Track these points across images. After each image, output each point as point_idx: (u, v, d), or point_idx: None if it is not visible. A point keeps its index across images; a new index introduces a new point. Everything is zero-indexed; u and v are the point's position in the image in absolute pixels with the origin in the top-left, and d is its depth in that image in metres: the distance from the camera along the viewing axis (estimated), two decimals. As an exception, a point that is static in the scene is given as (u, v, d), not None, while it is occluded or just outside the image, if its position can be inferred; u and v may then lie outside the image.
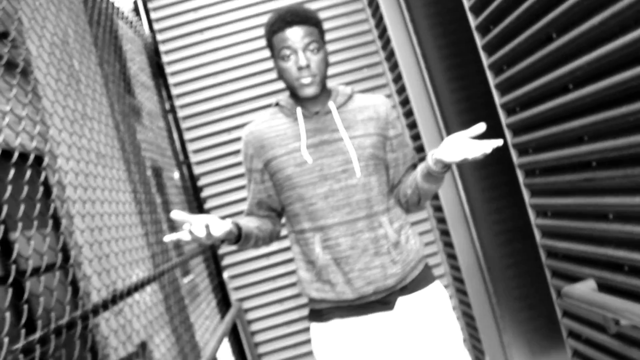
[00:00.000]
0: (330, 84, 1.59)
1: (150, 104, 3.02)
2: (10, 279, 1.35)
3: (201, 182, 3.08)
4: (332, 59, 3.01)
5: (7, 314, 1.28)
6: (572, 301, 1.60)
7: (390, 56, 2.93)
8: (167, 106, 3.12)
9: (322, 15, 3.02)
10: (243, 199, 3.05)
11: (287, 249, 3.06)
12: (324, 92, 1.52)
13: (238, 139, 3.06)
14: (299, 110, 1.50)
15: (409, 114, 2.89)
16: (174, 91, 3.08)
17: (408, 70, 2.76)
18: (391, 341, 1.50)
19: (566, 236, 1.85)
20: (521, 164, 2.00)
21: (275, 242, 3.04)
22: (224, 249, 3.08)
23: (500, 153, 2.34)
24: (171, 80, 3.08)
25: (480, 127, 1.29)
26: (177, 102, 3.08)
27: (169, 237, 1.28)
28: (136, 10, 3.15)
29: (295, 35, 1.39)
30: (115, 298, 1.77)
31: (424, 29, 2.72)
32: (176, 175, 3.16)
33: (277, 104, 1.56)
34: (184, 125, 3.08)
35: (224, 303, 3.07)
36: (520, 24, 1.76)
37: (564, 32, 1.56)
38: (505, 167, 2.42)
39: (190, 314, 3.06)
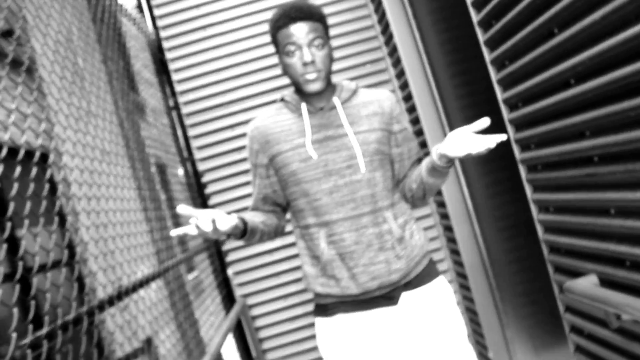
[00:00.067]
0: (335, 79, 1.59)
1: (154, 101, 3.03)
2: (18, 276, 1.36)
3: (205, 178, 3.09)
4: (334, 54, 3.02)
5: (15, 310, 1.29)
6: (574, 296, 1.61)
7: (393, 52, 2.93)
8: (171, 103, 3.14)
9: (324, 11, 3.02)
10: (247, 195, 3.06)
11: (291, 245, 3.07)
12: (329, 88, 1.52)
13: (242, 136, 3.08)
14: (303, 106, 1.51)
15: (411, 109, 2.90)
16: (178, 88, 3.09)
17: (411, 66, 2.76)
18: (395, 336, 1.50)
19: (568, 231, 1.86)
20: (523, 160, 2.00)
21: (279, 238, 3.07)
22: (228, 245, 3.09)
23: (503, 149, 2.35)
24: (175, 77, 3.09)
25: (484, 121, 1.29)
26: (181, 99, 3.09)
27: (175, 232, 1.29)
28: (139, 7, 3.16)
29: (300, 31, 1.40)
30: (121, 294, 1.79)
31: (427, 24, 2.72)
32: (180, 171, 3.18)
33: (282, 100, 1.57)
34: (187, 121, 3.09)
35: (228, 299, 3.09)
36: (522, 19, 1.76)
37: (566, 27, 1.56)
38: (508, 162, 2.42)
39: (195, 310, 3.08)
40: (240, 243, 3.07)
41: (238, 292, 3.06)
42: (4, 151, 1.38)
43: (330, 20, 3.05)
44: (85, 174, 1.99)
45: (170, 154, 3.10)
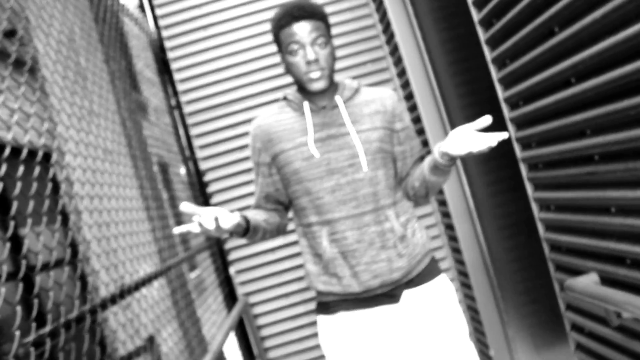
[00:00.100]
0: (337, 77, 1.60)
1: (156, 100, 3.04)
2: (21, 274, 1.37)
3: (207, 177, 3.10)
4: (336, 54, 3.02)
5: (18, 308, 1.30)
6: (575, 294, 1.62)
7: (394, 50, 2.93)
8: (173, 102, 3.15)
9: (326, 10, 3.02)
10: (249, 194, 3.07)
11: (293, 243, 3.08)
12: (331, 86, 1.52)
13: (244, 135, 3.08)
14: (306, 104, 1.51)
15: (413, 108, 2.90)
16: (180, 87, 3.10)
17: (412, 65, 2.77)
18: (397, 334, 1.51)
19: (569, 230, 1.86)
20: (524, 158, 2.01)
21: (281, 237, 3.07)
22: (230, 244, 3.10)
23: (504, 147, 2.35)
24: (177, 76, 3.10)
25: (486, 119, 1.29)
26: (183, 98, 3.10)
27: (178, 229, 1.30)
28: (141, 6, 3.17)
29: (302, 30, 1.40)
30: (123, 292, 1.80)
31: (428, 23, 2.72)
32: (182, 171, 3.19)
33: (284, 98, 1.57)
34: (189, 121, 3.10)
35: (230, 297, 3.10)
36: (522, 18, 1.76)
37: (566, 26, 1.56)
38: (510, 161, 2.43)
39: (197, 309, 3.09)
40: (242, 241, 3.08)
41: (240, 290, 3.07)
42: (7, 151, 1.39)
43: (332, 20, 3.06)
44: (88, 173, 2.00)
45: (172, 153, 3.11)
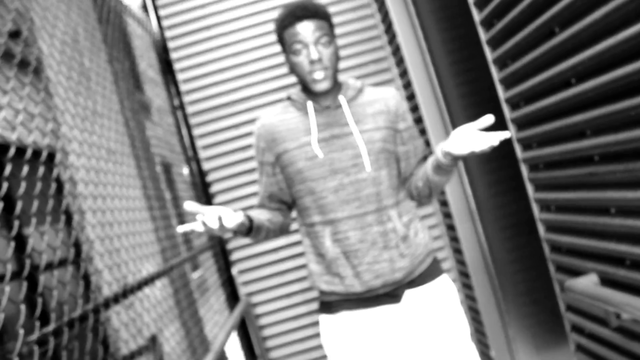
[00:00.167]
0: (341, 77, 1.60)
1: (159, 100, 3.06)
2: (25, 273, 1.39)
3: (210, 177, 3.11)
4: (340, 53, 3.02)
5: (22, 307, 1.31)
6: (575, 295, 1.62)
7: (396, 51, 2.94)
8: (176, 102, 3.16)
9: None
10: (252, 194, 3.08)
11: (295, 243, 3.09)
12: (335, 86, 1.53)
13: (247, 135, 3.10)
14: (310, 104, 1.52)
15: (414, 108, 2.91)
16: (183, 87, 3.11)
17: (414, 65, 2.78)
18: (398, 334, 1.51)
19: (570, 230, 1.86)
20: (525, 159, 2.01)
21: (284, 237, 3.09)
22: (232, 244, 3.11)
23: (506, 148, 2.35)
24: (180, 76, 3.11)
25: (489, 119, 1.29)
26: (186, 99, 3.11)
27: (182, 228, 1.31)
28: (145, 7, 3.19)
29: (306, 29, 1.41)
30: (126, 292, 1.81)
31: (430, 23, 2.73)
32: (185, 171, 3.20)
33: (288, 98, 1.58)
34: (192, 121, 3.11)
35: (232, 297, 3.11)
36: (523, 18, 1.77)
37: (567, 26, 1.57)
38: (511, 161, 2.43)
39: (200, 308, 3.10)
40: (244, 241, 3.09)
41: (242, 290, 3.09)
42: (12, 151, 1.40)
43: (334, 20, 3.06)
44: (92, 173, 2.02)
45: (175, 153, 3.12)
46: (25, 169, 1.46)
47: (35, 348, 1.29)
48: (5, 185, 1.33)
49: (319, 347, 3.07)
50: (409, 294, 1.52)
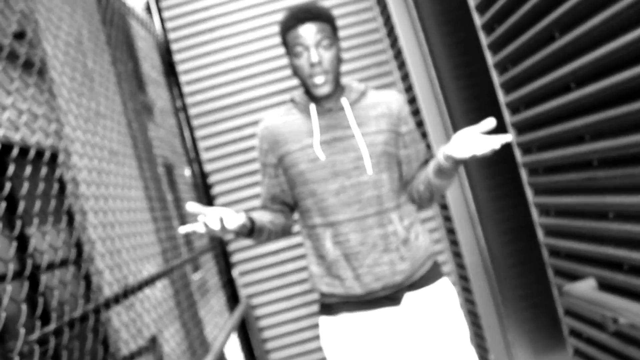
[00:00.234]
0: (344, 80, 1.61)
1: (162, 102, 3.07)
2: (27, 273, 1.40)
3: (212, 179, 3.13)
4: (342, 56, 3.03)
5: (24, 306, 1.32)
6: (573, 300, 1.62)
7: (398, 54, 2.95)
8: (179, 104, 3.18)
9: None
10: (253, 196, 3.10)
11: (296, 245, 3.10)
12: (338, 89, 1.53)
13: (249, 137, 3.11)
14: (312, 106, 1.53)
15: (415, 111, 2.92)
16: (186, 89, 3.13)
17: (415, 69, 2.79)
18: (398, 336, 1.52)
19: (568, 235, 1.87)
20: (525, 163, 2.02)
21: (284, 239, 3.10)
22: (233, 246, 3.12)
23: (507, 151, 2.36)
24: (183, 78, 3.13)
25: (490, 122, 1.29)
26: (189, 100, 3.13)
27: (184, 229, 1.32)
28: (148, 9, 3.20)
29: (307, 31, 1.41)
30: (127, 292, 1.82)
31: (432, 27, 2.74)
32: (187, 172, 3.21)
33: (291, 100, 1.59)
34: (195, 122, 3.13)
35: (233, 299, 3.12)
36: (524, 23, 1.78)
37: (567, 31, 1.58)
38: (511, 165, 2.44)
39: (200, 310, 3.11)
40: (245, 243, 3.10)
41: (243, 292, 3.09)
42: (15, 151, 1.41)
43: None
44: (94, 174, 2.03)
45: (177, 154, 3.14)
46: (28, 169, 1.47)
47: (35, 347, 1.30)
48: (8, 185, 1.34)
49: (319, 349, 3.07)
50: (408, 296, 1.52)
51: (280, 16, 3.14)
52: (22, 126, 1.50)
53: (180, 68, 3.12)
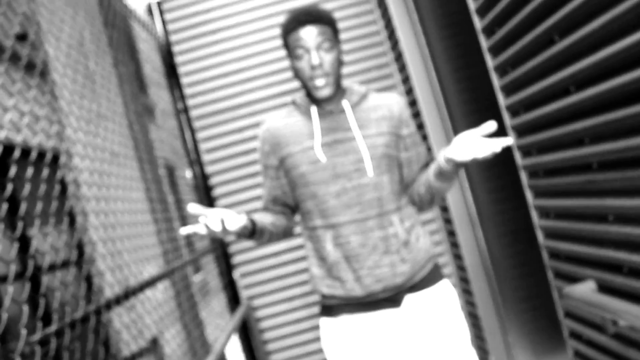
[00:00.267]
0: (346, 82, 1.61)
1: (163, 104, 3.08)
2: (29, 274, 1.40)
3: (213, 180, 3.13)
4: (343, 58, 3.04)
5: (25, 307, 1.33)
6: (572, 302, 1.63)
7: (399, 57, 2.96)
8: (180, 106, 3.18)
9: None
10: (255, 198, 3.10)
11: (296, 247, 3.11)
12: (339, 91, 1.54)
13: (250, 139, 3.12)
14: (313, 108, 1.53)
15: (416, 114, 2.93)
16: (187, 91, 3.14)
17: (416, 71, 2.79)
18: (399, 338, 1.52)
19: (568, 237, 1.87)
20: (525, 166, 2.02)
21: (285, 241, 3.10)
22: (234, 247, 3.13)
23: (508, 154, 2.37)
24: (184, 80, 3.14)
25: (491, 125, 1.30)
26: (190, 102, 3.14)
27: (185, 230, 1.32)
28: (150, 12, 3.22)
29: (308, 34, 1.42)
30: (128, 294, 1.83)
31: (432, 30, 2.74)
32: (188, 174, 3.22)
33: (293, 102, 1.60)
34: (196, 124, 3.14)
35: (233, 300, 3.12)
36: (524, 26, 1.79)
37: (566, 35, 1.58)
38: (512, 168, 2.45)
39: (201, 311, 3.11)
40: (246, 245, 3.11)
41: (243, 293, 3.10)
42: (17, 152, 1.42)
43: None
44: (95, 175, 2.03)
45: (178, 156, 3.14)
46: (30, 171, 1.48)
47: (37, 348, 1.30)
48: (10, 186, 1.35)
49: (320, 350, 3.08)
50: (409, 298, 1.52)
51: (281, 19, 3.15)
52: (24, 128, 1.50)
53: (182, 70, 3.13)
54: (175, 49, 3.14)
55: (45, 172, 1.56)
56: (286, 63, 3.13)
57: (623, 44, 1.35)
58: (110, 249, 2.01)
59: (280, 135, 1.55)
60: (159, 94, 3.05)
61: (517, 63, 1.90)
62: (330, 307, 1.57)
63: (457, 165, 1.39)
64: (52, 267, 2.40)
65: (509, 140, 1.27)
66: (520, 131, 2.02)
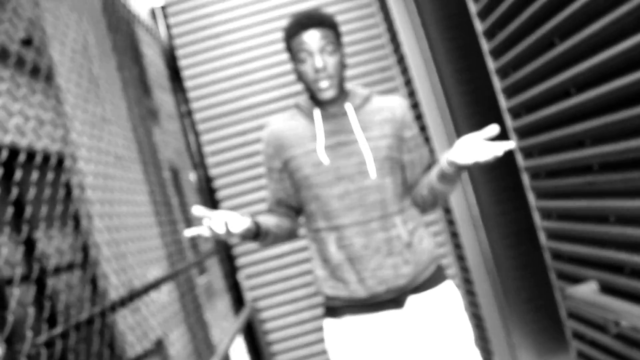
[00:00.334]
0: (349, 85, 1.63)
1: (167, 107, 3.10)
2: (34, 276, 1.42)
3: (217, 183, 3.15)
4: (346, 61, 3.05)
5: (31, 309, 1.34)
6: (575, 303, 1.63)
7: (401, 60, 2.97)
8: (184, 109, 3.20)
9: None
10: (258, 200, 3.12)
11: (300, 249, 3.12)
12: (342, 94, 1.55)
13: (254, 141, 3.13)
14: (316, 111, 1.55)
15: (418, 116, 2.93)
16: (191, 94, 3.15)
17: (418, 74, 2.80)
18: (402, 339, 1.53)
19: (571, 238, 1.88)
20: (527, 167, 2.03)
21: (289, 243, 3.11)
22: (238, 249, 3.14)
23: (510, 156, 2.37)
24: (188, 83, 3.16)
25: (493, 129, 1.30)
26: (194, 105, 3.16)
27: (189, 232, 1.33)
28: (154, 15, 3.24)
29: (311, 38, 1.43)
30: (132, 296, 1.84)
31: (434, 32, 2.75)
32: (192, 176, 3.24)
33: (296, 106, 1.61)
34: (200, 127, 3.15)
35: (238, 302, 3.14)
36: (524, 29, 1.79)
37: (566, 37, 1.59)
38: (514, 169, 2.45)
39: (206, 313, 3.12)
40: (250, 247, 3.12)
41: (248, 295, 3.11)
42: (22, 156, 1.43)
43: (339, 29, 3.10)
44: (100, 179, 2.05)
45: (182, 159, 3.16)
46: (35, 174, 1.49)
47: (43, 350, 1.31)
48: (15, 189, 1.37)
49: (324, 352, 3.08)
50: (412, 299, 1.53)
51: (284, 22, 3.16)
52: (29, 132, 1.52)
53: (185, 73, 3.15)
54: (179, 52, 3.16)
55: (50, 175, 1.58)
56: (290, 66, 3.15)
57: (623, 47, 1.35)
58: (114, 252, 2.03)
59: (284, 138, 1.56)
60: (163, 97, 3.07)
61: (518, 65, 1.91)
62: (334, 309, 1.58)
63: (460, 168, 1.40)
64: (57, 270, 2.42)
65: (510, 144, 1.28)
66: (522, 133, 2.03)
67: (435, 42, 2.74)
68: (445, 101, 2.74)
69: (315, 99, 1.53)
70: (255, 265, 3.13)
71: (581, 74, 1.55)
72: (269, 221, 1.53)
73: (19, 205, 2.61)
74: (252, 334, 3.07)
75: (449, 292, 1.57)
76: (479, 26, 2.08)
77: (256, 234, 1.45)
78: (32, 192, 1.46)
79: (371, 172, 1.49)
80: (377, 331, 1.53)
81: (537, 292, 2.70)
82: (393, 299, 1.52)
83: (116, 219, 2.12)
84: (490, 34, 2.05)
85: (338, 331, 1.56)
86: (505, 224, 2.73)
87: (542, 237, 2.05)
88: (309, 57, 1.44)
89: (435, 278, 1.56)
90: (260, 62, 3.15)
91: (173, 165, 3.09)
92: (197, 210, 1.29)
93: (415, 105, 2.95)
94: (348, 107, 1.54)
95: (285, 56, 3.15)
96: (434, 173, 1.48)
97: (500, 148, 1.28)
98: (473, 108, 2.73)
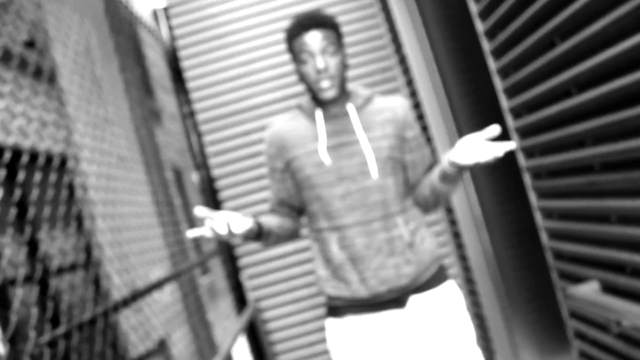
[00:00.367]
0: (350, 85, 1.63)
1: (170, 108, 3.10)
2: (37, 277, 1.42)
3: (220, 184, 3.16)
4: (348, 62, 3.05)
5: (34, 309, 1.35)
6: (576, 302, 1.63)
7: (402, 60, 2.97)
8: (186, 110, 3.21)
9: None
10: (261, 201, 3.12)
11: (303, 249, 3.12)
12: (344, 94, 1.56)
13: (256, 142, 3.14)
14: (318, 112, 1.55)
15: (420, 116, 2.94)
16: (194, 95, 3.16)
17: (420, 74, 2.80)
18: (404, 338, 1.53)
19: (572, 238, 1.88)
20: (528, 167, 2.03)
21: (291, 243, 3.12)
22: (241, 250, 3.15)
23: (511, 156, 2.37)
24: (191, 84, 3.17)
25: (495, 129, 1.31)
26: (197, 106, 3.16)
27: (191, 233, 1.34)
28: (156, 17, 3.25)
29: (312, 38, 1.44)
30: (135, 296, 1.85)
31: (435, 33, 2.76)
32: (195, 177, 3.25)
33: (298, 106, 1.61)
34: (203, 128, 3.16)
35: (241, 302, 3.14)
36: (525, 29, 1.79)
37: (567, 37, 1.59)
38: (515, 169, 2.45)
39: (208, 313, 3.13)
40: (253, 247, 3.12)
41: (250, 295, 3.12)
42: (25, 157, 1.44)
43: (341, 29, 3.10)
44: (102, 179, 2.06)
45: (185, 159, 3.17)
46: (38, 176, 1.50)
47: (45, 350, 1.32)
48: (18, 190, 1.38)
49: (326, 352, 3.09)
50: (414, 299, 1.53)
51: (286, 23, 3.17)
52: (32, 133, 1.53)
53: (188, 74, 3.16)
54: (182, 53, 3.17)
55: (53, 176, 1.58)
56: (291, 66, 3.16)
57: (624, 46, 1.36)
58: (117, 252, 2.04)
59: (286, 139, 1.56)
60: (166, 99, 3.08)
61: (519, 66, 1.91)
62: (336, 308, 1.58)
63: (461, 169, 1.40)
64: (60, 270, 2.43)
65: (511, 145, 1.29)
66: (523, 133, 2.03)
67: (437, 42, 2.75)
68: (447, 101, 2.74)
69: (317, 100, 1.53)
70: (257, 265, 3.14)
71: (582, 74, 1.56)
72: (271, 221, 1.54)
73: (22, 206, 2.62)
74: (254, 334, 3.08)
75: (451, 292, 1.57)
76: (480, 26, 2.08)
77: (258, 235, 1.46)
78: (35, 193, 1.47)
79: (373, 172, 1.49)
80: (379, 331, 1.53)
81: (539, 292, 2.69)
82: (395, 299, 1.52)
83: (119, 220, 2.13)
84: (491, 34, 2.05)
85: (340, 331, 1.57)
86: (507, 223, 2.73)
87: (544, 237, 2.05)
88: (311, 58, 1.45)
89: (437, 278, 1.57)
90: (263, 63, 3.16)
91: (176, 166, 3.09)
92: (200, 211, 1.29)
93: (416, 106, 2.96)
94: (350, 107, 1.54)
95: (287, 57, 3.15)
96: (435, 173, 1.49)
97: (501, 148, 1.28)
98: (474, 108, 2.73)
